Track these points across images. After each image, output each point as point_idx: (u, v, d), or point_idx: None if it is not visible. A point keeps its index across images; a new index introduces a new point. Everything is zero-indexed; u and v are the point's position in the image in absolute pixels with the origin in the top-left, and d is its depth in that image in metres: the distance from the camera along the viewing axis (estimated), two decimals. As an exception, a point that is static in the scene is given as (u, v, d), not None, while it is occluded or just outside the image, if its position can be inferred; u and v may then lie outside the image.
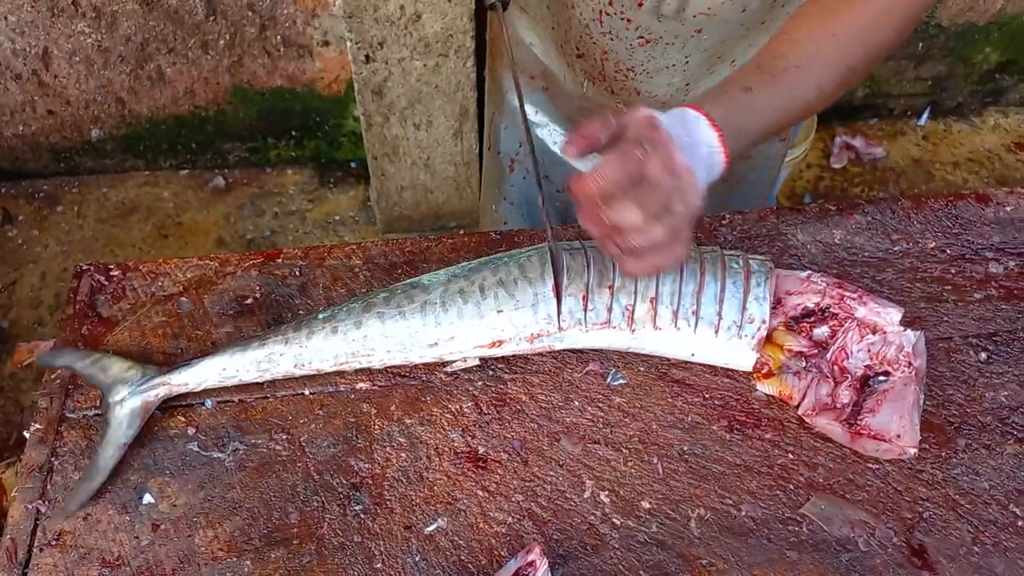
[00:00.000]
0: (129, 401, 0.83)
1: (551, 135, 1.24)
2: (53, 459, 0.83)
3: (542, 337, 0.87)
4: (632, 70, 1.05)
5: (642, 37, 1.00)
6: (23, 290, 2.26)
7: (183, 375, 0.85)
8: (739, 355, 0.88)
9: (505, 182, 1.33)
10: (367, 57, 1.92)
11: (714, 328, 0.87)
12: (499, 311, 0.86)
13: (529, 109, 1.24)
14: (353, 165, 2.54)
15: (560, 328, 0.86)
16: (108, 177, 2.50)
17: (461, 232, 1.04)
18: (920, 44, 2.47)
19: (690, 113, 0.82)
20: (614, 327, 0.87)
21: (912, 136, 2.64)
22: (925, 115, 2.65)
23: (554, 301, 0.86)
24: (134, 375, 0.84)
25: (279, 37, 2.20)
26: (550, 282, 0.87)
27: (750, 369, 0.89)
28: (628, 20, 0.98)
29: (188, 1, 2.10)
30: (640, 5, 0.96)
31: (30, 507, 0.79)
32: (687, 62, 1.03)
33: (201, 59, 2.23)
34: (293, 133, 2.44)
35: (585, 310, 0.86)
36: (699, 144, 0.80)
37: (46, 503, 0.80)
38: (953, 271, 1.00)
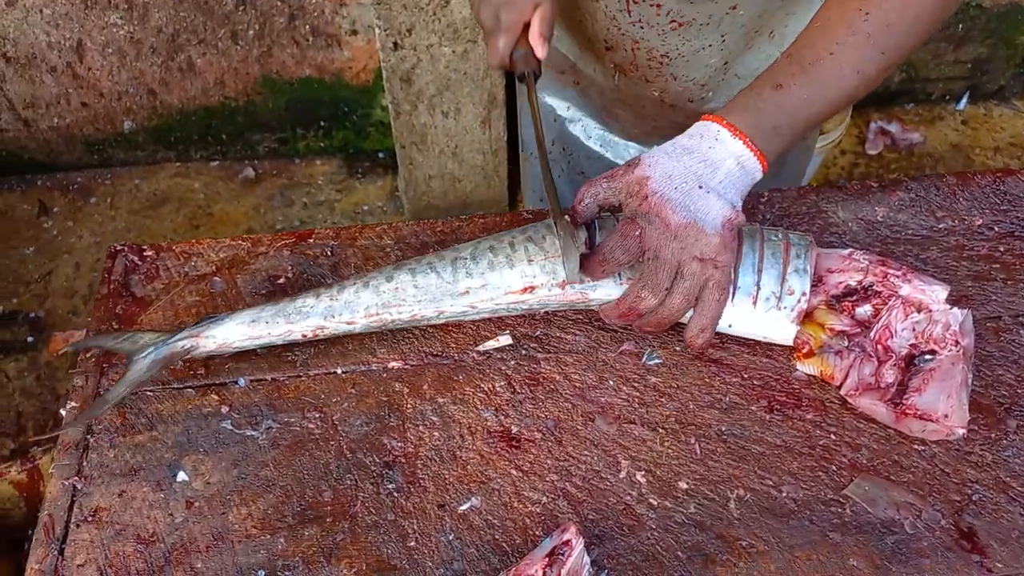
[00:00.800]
0: (154, 352, 0.83)
1: (585, 130, 1.22)
2: (89, 436, 0.83)
3: (574, 284, 0.85)
4: (666, 56, 1.02)
5: (674, 21, 0.97)
6: (58, 280, 2.29)
7: (212, 328, 0.84)
8: (778, 328, 0.85)
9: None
10: (395, 44, 1.91)
11: (752, 298, 0.84)
12: (530, 260, 0.86)
13: (561, 104, 1.22)
14: (381, 155, 2.54)
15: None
16: (140, 169, 2.52)
17: (493, 212, 1.02)
18: (960, 26, 2.40)
19: (711, 127, 0.81)
20: None
21: (951, 121, 2.57)
22: (964, 99, 2.58)
23: (587, 251, 0.85)
24: (164, 338, 0.84)
25: (308, 26, 2.21)
26: (583, 235, 0.86)
27: (790, 343, 0.87)
28: (658, 6, 0.96)
29: (218, -8, 2.12)
30: None
31: (67, 483, 0.80)
32: (724, 41, 1.00)
33: (231, 49, 2.24)
34: (322, 123, 2.45)
35: None
36: (722, 160, 0.80)
37: (82, 480, 0.80)
38: (1002, 249, 0.97)
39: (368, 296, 0.86)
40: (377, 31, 1.88)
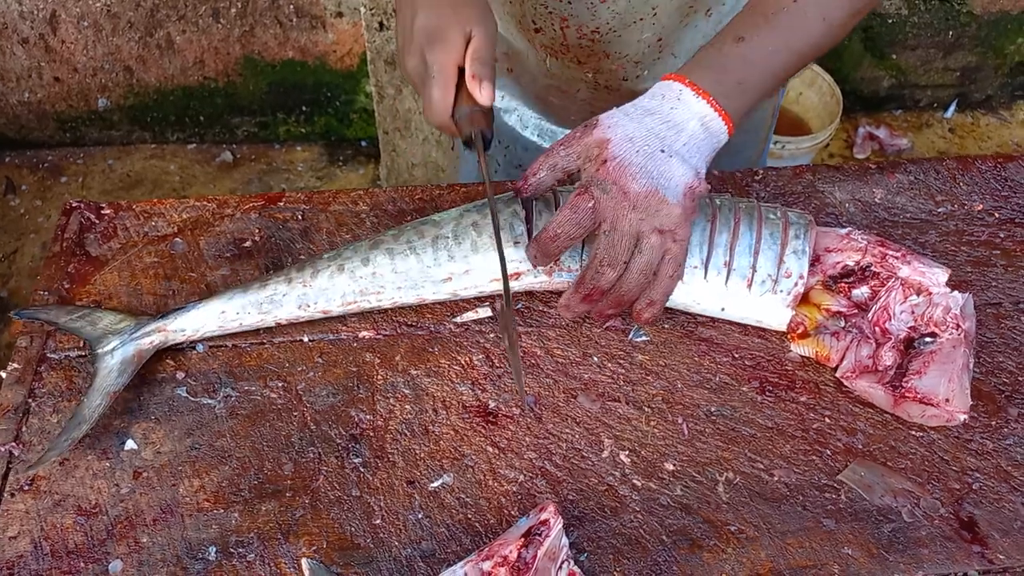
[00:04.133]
0: (121, 350, 0.77)
1: (521, 120, 1.16)
2: (30, 400, 0.76)
3: (562, 272, 0.80)
4: (597, 31, 0.96)
5: None
6: (23, 260, 2.21)
7: (180, 320, 0.79)
8: (773, 312, 0.81)
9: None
10: (381, 24, 1.86)
11: (747, 281, 0.80)
12: (516, 242, 0.80)
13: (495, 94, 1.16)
14: (363, 144, 2.48)
15: (582, 261, 0.80)
16: (114, 149, 2.45)
17: (475, 182, 0.97)
18: (950, 33, 2.39)
19: (673, 87, 0.76)
20: None
21: (938, 128, 2.56)
22: (952, 107, 2.57)
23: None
24: (127, 326, 0.78)
25: (292, 6, 2.15)
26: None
27: (784, 328, 0.82)
28: None
29: (199, -33, 2.06)
30: None
31: (2, 450, 0.73)
32: (655, 14, 0.95)
33: (211, 27, 2.18)
34: (303, 108, 2.39)
35: None
36: (685, 121, 0.75)
37: (20, 446, 0.74)
38: (1002, 235, 0.93)
39: (344, 282, 0.80)
40: (362, 9, 1.83)
